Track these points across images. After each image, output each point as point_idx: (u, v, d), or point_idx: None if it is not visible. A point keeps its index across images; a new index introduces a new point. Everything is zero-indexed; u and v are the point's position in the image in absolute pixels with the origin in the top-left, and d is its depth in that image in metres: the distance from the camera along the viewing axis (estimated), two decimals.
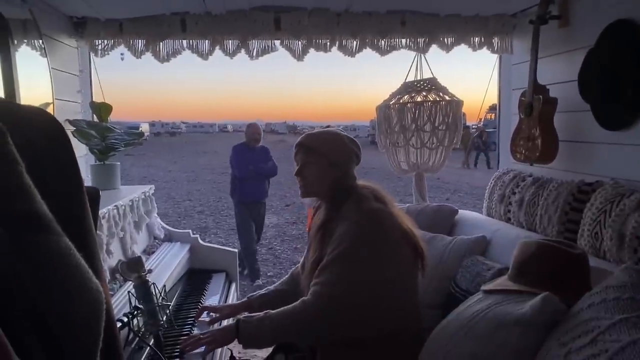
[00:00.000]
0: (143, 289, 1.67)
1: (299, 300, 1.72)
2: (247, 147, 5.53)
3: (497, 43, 2.92)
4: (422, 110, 2.91)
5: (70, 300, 0.81)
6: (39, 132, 1.00)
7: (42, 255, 0.79)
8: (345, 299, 1.66)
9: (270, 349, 2.03)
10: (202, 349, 1.71)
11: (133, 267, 1.70)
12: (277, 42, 2.83)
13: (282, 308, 1.73)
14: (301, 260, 2.17)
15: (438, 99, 2.94)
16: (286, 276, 2.22)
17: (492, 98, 3.37)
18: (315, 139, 1.89)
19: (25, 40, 2.24)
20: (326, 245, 1.76)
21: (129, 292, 1.71)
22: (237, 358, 2.81)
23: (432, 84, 2.98)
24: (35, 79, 2.38)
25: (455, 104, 2.95)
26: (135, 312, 1.62)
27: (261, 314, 1.73)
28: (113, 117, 2.61)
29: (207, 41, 2.75)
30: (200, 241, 2.88)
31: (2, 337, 0.64)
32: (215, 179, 15.78)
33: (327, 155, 1.85)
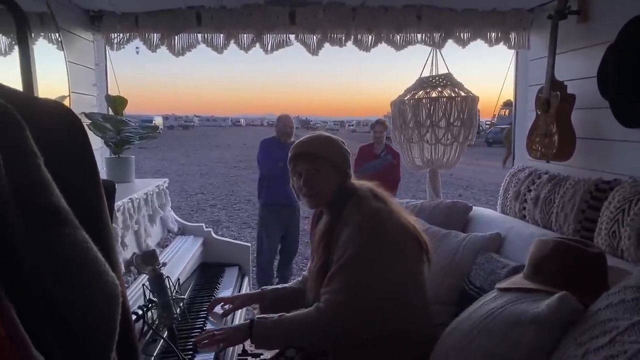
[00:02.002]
0: (157, 282, 1.68)
1: (312, 307, 1.72)
2: (277, 142, 4.68)
3: (514, 38, 2.88)
4: (437, 106, 2.89)
5: (87, 292, 0.81)
6: (56, 126, 1.00)
7: (60, 248, 0.79)
8: (357, 304, 1.66)
9: None
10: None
11: (148, 260, 1.71)
12: (292, 37, 2.82)
13: (295, 313, 1.73)
14: (309, 264, 2.17)
15: (453, 95, 2.91)
16: (300, 278, 2.22)
17: (507, 94, 3.33)
18: (314, 145, 1.85)
19: (43, 34, 2.26)
20: (332, 251, 1.76)
21: (143, 284, 1.72)
22: (249, 352, 2.83)
23: (447, 80, 2.95)
24: (52, 72, 2.39)
25: (470, 100, 2.92)
26: (150, 305, 1.63)
27: (275, 316, 1.73)
28: (126, 110, 2.62)
29: (222, 35, 2.74)
30: (214, 235, 2.90)
31: (20, 329, 0.64)
32: (227, 173, 15.84)
33: (330, 159, 1.83)
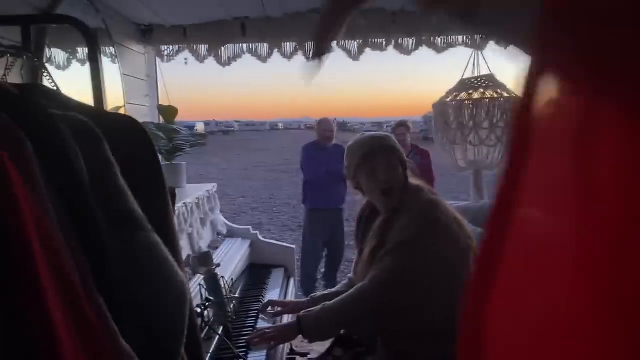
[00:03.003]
0: (212, 282, 1.77)
1: (357, 285, 1.76)
2: (318, 146, 4.67)
3: None
4: (479, 107, 2.89)
5: (162, 291, 0.89)
6: (127, 138, 1.09)
7: (137, 251, 0.87)
8: (400, 286, 1.67)
9: (328, 344, 2.08)
10: None
11: (203, 261, 1.80)
12: (334, 43, 2.87)
13: (339, 297, 1.77)
14: (352, 265, 2.20)
15: (496, 96, 2.91)
16: (344, 280, 2.26)
17: None
18: (389, 139, 1.90)
19: (99, 48, 2.40)
20: (386, 237, 1.77)
21: (199, 284, 1.80)
22: (296, 351, 2.89)
23: (489, 81, 2.95)
24: (107, 84, 2.53)
25: (514, 101, 2.90)
26: (207, 304, 1.72)
27: (319, 306, 1.77)
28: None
29: (265, 44, 2.83)
30: (260, 237, 2.98)
31: (111, 321, 0.72)
32: (266, 176, 16.05)
33: (401, 153, 1.89)
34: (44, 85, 1.72)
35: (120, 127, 1.12)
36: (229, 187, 13.55)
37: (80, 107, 1.08)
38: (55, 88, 1.86)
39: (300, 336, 1.78)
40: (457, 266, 1.76)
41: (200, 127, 31.14)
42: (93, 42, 1.45)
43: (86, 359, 0.65)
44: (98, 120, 1.01)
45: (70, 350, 0.58)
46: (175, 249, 1.06)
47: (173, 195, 1.39)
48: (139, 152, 1.11)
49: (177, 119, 2.68)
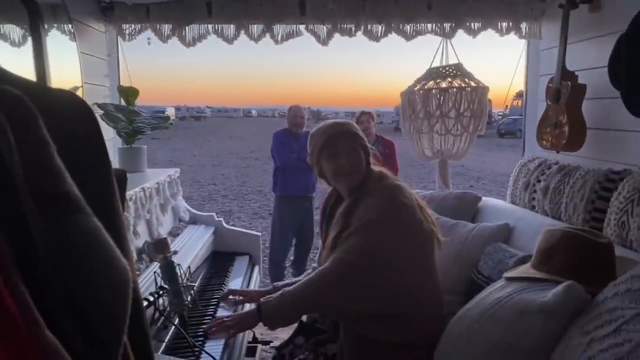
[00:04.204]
0: (168, 270, 1.71)
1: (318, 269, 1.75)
2: (289, 133, 4.67)
3: (526, 28, 2.86)
4: (447, 97, 2.88)
5: (98, 277, 0.84)
6: (69, 116, 1.03)
7: (72, 235, 0.82)
8: (363, 267, 1.66)
9: (291, 332, 2.06)
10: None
11: (159, 248, 1.74)
12: (302, 27, 2.82)
13: (300, 282, 1.76)
14: (317, 254, 2.19)
15: (463, 85, 2.91)
16: (309, 270, 2.24)
17: (519, 85, 3.31)
18: (350, 125, 1.90)
19: (55, 25, 2.29)
20: (350, 222, 1.75)
21: (154, 272, 1.75)
22: (259, 339, 2.86)
23: (457, 70, 2.95)
24: (65, 63, 2.42)
25: (481, 90, 2.91)
26: (161, 292, 1.66)
27: (279, 292, 1.75)
28: (139, 101, 2.64)
29: (232, 26, 2.76)
30: (225, 224, 2.92)
31: (34, 311, 0.67)
32: (239, 164, 15.91)
33: (362, 138, 1.88)
34: None
35: (62, 104, 1.05)
36: (199, 174, 13.38)
37: (16, 81, 1.00)
38: None
39: (262, 324, 1.76)
40: (419, 250, 1.76)
41: (170, 112, 30.65)
42: (34, 14, 1.36)
43: (3, 351, 0.60)
44: (36, 96, 0.95)
45: None
46: (119, 235, 1.00)
47: (123, 179, 1.32)
48: (81, 132, 1.04)
49: (147, 103, 2.61)
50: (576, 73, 2.38)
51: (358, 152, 1.83)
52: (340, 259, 1.68)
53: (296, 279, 2.20)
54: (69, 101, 1.08)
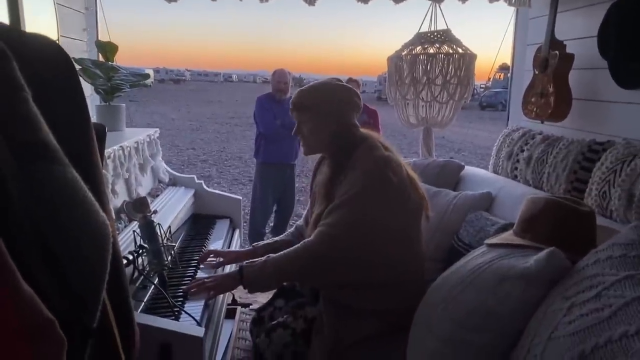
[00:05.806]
0: (148, 229, 1.68)
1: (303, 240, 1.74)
2: (273, 98, 4.52)
3: None
4: (434, 62, 2.85)
5: (77, 230, 0.80)
6: (45, 61, 0.97)
7: (48, 184, 0.77)
8: (350, 240, 1.66)
9: (270, 295, 2.06)
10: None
11: (138, 207, 1.70)
12: None
13: (284, 250, 1.74)
14: (304, 213, 2.18)
15: (451, 52, 2.87)
16: (291, 229, 2.23)
17: (504, 57, 3.29)
18: (303, 95, 1.86)
19: None
20: (333, 197, 1.75)
21: (134, 231, 1.71)
22: (238, 301, 2.87)
23: (445, 36, 2.90)
24: (40, 14, 2.31)
25: (468, 57, 2.87)
26: (140, 251, 1.63)
27: (263, 258, 1.74)
28: (117, 61, 2.54)
29: None
30: (205, 187, 2.88)
31: (8, 261, 0.63)
32: (219, 129, 15.72)
33: (316, 108, 1.83)
34: None
35: (39, 50, 0.99)
36: (177, 138, 13.20)
37: None
38: None
39: (242, 287, 1.75)
40: (404, 225, 1.76)
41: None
42: None
43: None
44: (11, 40, 0.89)
45: None
46: (97, 189, 0.96)
47: (103, 133, 1.27)
48: (59, 79, 0.99)
49: (126, 64, 2.50)
50: (564, 42, 2.36)
51: (306, 124, 1.88)
52: (326, 233, 1.67)
53: (276, 239, 2.19)
54: (45, 46, 1.01)
